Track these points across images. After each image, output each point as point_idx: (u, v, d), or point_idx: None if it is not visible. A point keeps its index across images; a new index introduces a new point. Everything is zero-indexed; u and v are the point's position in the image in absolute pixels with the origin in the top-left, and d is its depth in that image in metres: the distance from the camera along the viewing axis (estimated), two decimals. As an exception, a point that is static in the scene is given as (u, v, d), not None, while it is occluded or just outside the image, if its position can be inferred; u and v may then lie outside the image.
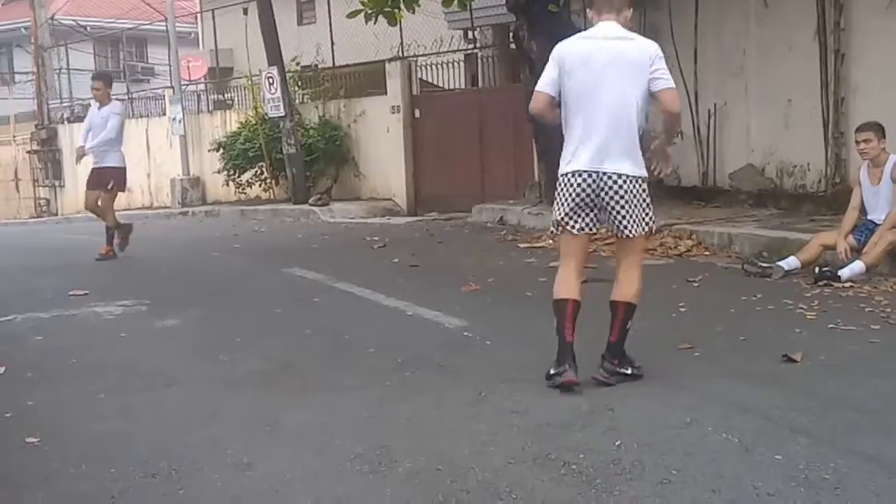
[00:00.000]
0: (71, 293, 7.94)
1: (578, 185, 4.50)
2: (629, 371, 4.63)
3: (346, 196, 16.97)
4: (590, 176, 4.48)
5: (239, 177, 18.00)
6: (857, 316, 5.88)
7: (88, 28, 28.56)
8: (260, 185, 18.03)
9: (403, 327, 6.31)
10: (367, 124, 16.85)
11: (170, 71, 21.41)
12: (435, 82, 16.62)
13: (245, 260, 10.58)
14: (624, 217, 4.53)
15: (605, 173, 4.47)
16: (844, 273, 6.80)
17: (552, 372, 4.54)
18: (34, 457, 4.02)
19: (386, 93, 16.27)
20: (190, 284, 8.60)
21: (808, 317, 5.97)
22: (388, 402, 4.56)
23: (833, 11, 9.48)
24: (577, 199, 4.53)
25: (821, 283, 6.76)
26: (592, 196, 4.51)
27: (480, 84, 16.42)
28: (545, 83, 4.61)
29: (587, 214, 4.57)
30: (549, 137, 11.22)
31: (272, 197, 17.86)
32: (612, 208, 4.51)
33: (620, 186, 4.48)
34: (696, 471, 3.50)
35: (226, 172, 18.05)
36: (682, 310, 6.32)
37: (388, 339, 5.93)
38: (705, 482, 3.41)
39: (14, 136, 26.33)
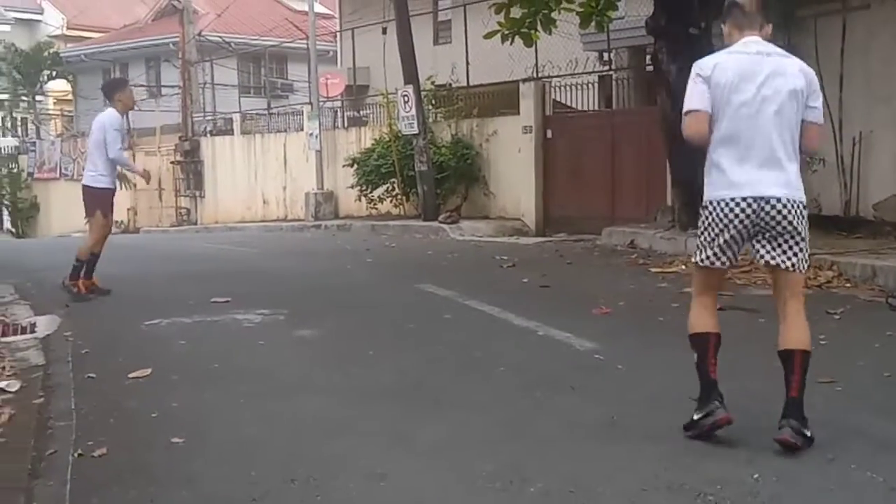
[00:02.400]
0: (213, 300, 8.24)
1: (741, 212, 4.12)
2: (810, 434, 4.02)
3: (475, 214, 17.08)
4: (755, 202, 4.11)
5: (371, 192, 18.34)
6: None
7: (233, 45, 29.60)
8: (391, 201, 18.32)
9: (534, 347, 6.31)
10: (498, 144, 16.94)
11: (309, 88, 21.99)
12: (568, 103, 16.60)
13: (377, 274, 10.77)
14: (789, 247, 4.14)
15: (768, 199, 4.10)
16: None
17: (697, 417, 4.14)
18: (179, 457, 4.20)
19: (519, 113, 16.33)
20: (325, 296, 8.79)
21: (956, 355, 5.72)
22: (520, 422, 4.58)
23: None
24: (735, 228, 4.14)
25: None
26: (751, 224, 4.12)
27: (614, 106, 16.31)
28: (699, 101, 4.17)
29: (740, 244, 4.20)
30: (688, 162, 11.14)
31: (402, 213, 18.12)
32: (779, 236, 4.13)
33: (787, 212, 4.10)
34: (837, 509, 3.41)
35: (359, 188, 18.41)
36: (822, 342, 6.08)
37: (519, 358, 5.96)
38: (848, 522, 3.31)
39: (159, 147, 27.47)
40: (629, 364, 5.68)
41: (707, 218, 4.19)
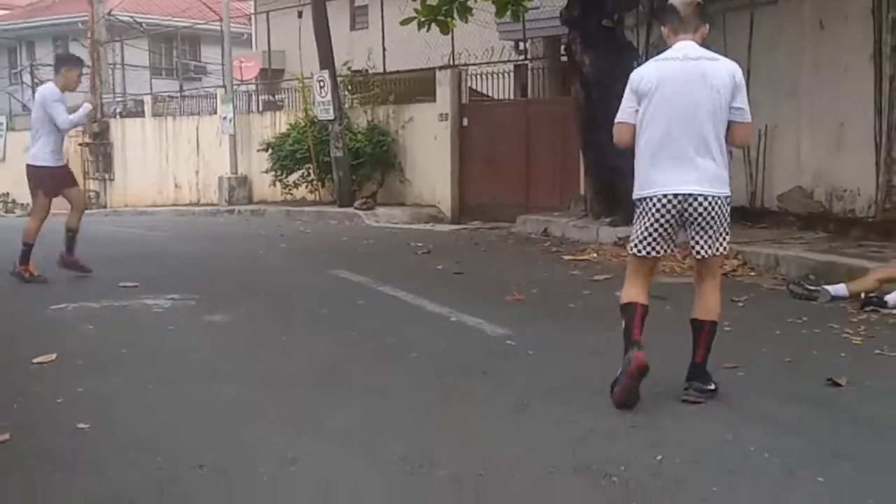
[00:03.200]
0: (121, 284, 8.09)
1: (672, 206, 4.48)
2: (713, 386, 4.57)
3: (391, 201, 17.09)
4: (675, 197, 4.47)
5: (286, 177, 18.21)
6: (903, 344, 5.83)
7: (144, 25, 28.99)
8: (306, 187, 18.22)
9: (447, 333, 6.35)
10: (414, 131, 16.97)
11: (223, 70, 21.68)
12: (485, 92, 16.70)
13: (291, 260, 10.71)
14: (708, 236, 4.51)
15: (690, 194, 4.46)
16: (891, 299, 6.73)
17: (620, 371, 4.45)
18: (85, 442, 4.12)
19: (435, 100, 16.39)
20: (237, 281, 8.71)
21: (854, 342, 5.92)
22: (432, 406, 4.61)
23: (890, 35, 9.39)
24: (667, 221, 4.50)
25: (867, 309, 6.71)
26: (678, 216, 4.48)
27: (529, 95, 16.46)
28: (626, 114, 4.58)
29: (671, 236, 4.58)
30: (600, 152, 11.32)
31: (318, 199, 18.03)
32: (698, 226, 4.49)
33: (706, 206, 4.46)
34: (737, 489, 3.51)
35: (273, 173, 18.25)
36: (726, 329, 6.26)
37: (432, 344, 5.99)
38: (747, 501, 3.42)
39: (67, 129, 26.75)
40: (540, 349, 5.76)
41: (641, 212, 4.57)
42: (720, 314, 4.66)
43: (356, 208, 16.17)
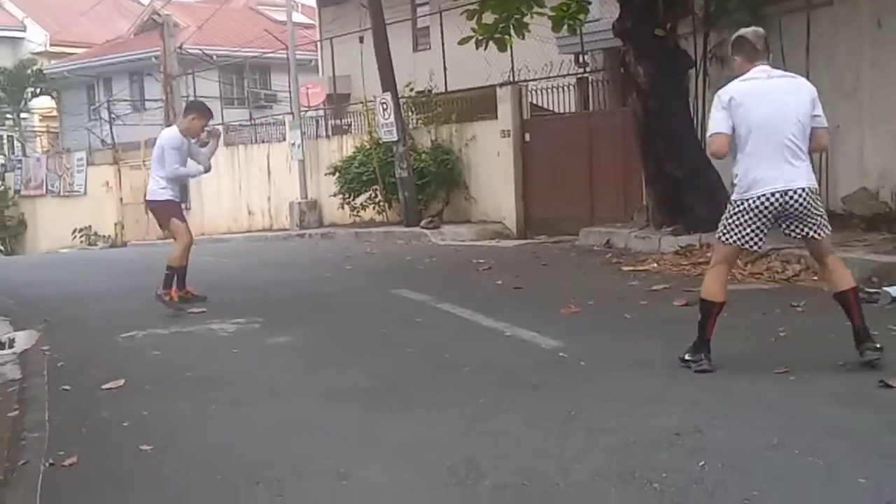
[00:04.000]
0: (190, 311, 8.36)
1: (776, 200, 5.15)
2: (879, 345, 5.22)
3: (457, 219, 17.22)
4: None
5: (353, 200, 18.48)
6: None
7: (214, 57, 29.70)
8: (374, 208, 18.46)
9: (501, 347, 6.46)
10: (477, 148, 17.09)
11: (290, 97, 22.12)
12: (546, 106, 16.75)
13: (355, 281, 10.91)
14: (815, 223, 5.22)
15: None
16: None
17: (687, 357, 5.34)
18: (147, 464, 4.32)
19: (497, 117, 16.48)
20: (301, 304, 8.93)
21: (913, 343, 5.85)
22: (481, 419, 4.72)
23: (950, 31, 9.26)
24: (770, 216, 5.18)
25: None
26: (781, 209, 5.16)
27: (591, 108, 16.47)
28: (721, 125, 5.20)
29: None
30: (659, 162, 11.31)
31: (386, 219, 18.25)
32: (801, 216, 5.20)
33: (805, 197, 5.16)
34: (778, 492, 3.54)
35: (341, 196, 18.55)
36: (781, 334, 6.28)
37: (485, 358, 6.09)
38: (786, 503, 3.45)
39: (144, 161, 27.51)
40: (591, 360, 5.83)
41: (744, 209, 5.19)
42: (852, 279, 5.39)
43: (423, 227, 16.34)
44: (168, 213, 8.82)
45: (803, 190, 5.13)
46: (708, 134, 5.35)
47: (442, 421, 4.74)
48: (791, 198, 5.11)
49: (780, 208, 5.14)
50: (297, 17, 32.53)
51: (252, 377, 5.92)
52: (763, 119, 5.13)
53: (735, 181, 5.29)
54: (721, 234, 5.37)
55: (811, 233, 5.22)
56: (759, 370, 5.31)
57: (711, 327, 5.32)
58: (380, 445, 4.40)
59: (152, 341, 7.22)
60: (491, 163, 16.67)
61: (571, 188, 15.18)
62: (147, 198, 8.96)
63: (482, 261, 11.76)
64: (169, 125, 25.47)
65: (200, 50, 28.14)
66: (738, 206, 5.23)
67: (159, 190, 8.70)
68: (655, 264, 9.88)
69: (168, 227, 8.94)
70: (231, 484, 3.95)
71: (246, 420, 4.94)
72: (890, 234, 9.61)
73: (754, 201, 5.15)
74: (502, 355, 6.20)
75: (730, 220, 5.29)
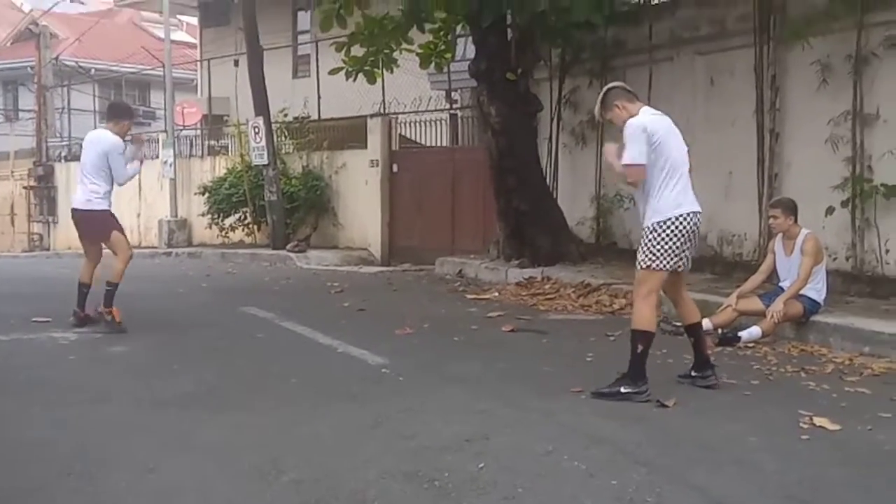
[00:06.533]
0: (34, 319, 8.45)
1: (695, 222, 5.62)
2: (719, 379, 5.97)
3: (325, 244, 17.53)
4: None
5: (222, 220, 18.60)
6: (743, 373, 6.39)
7: (93, 70, 29.35)
8: (243, 230, 18.62)
9: (330, 362, 6.83)
10: (347, 176, 17.49)
11: (164, 115, 22.10)
12: (419, 140, 17.27)
13: (207, 298, 11.12)
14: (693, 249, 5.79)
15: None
16: (744, 336, 7.35)
17: (625, 390, 5.54)
18: (-38, 457, 4.51)
19: (367, 147, 16.92)
20: (148, 317, 9.05)
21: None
22: (295, 424, 5.07)
23: (769, 92, 10.08)
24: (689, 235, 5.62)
25: (722, 343, 7.30)
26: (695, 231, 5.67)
27: (459, 143, 17.05)
28: (641, 157, 5.54)
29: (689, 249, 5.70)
30: (508, 198, 11.87)
31: (254, 241, 18.42)
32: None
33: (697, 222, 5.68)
34: (539, 490, 3.99)
35: (210, 216, 18.63)
36: (588, 359, 6.84)
37: (313, 371, 6.46)
38: (544, 499, 3.90)
39: (13, 172, 26.99)
40: (410, 376, 6.25)
41: (670, 232, 5.56)
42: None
43: (289, 251, 16.57)
44: (109, 225, 8.29)
45: (700, 214, 5.68)
46: (627, 162, 5.58)
47: (256, 424, 5.06)
48: (699, 219, 5.63)
49: (693, 228, 5.61)
50: (181, 36, 32.55)
51: (83, 381, 6.12)
52: (678, 153, 5.66)
53: (649, 211, 5.62)
54: (650, 262, 5.61)
55: (688, 262, 5.73)
56: (558, 389, 5.80)
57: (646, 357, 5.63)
58: (191, 444, 4.70)
59: (-10, 346, 7.33)
60: (359, 191, 17.07)
61: (434, 219, 15.70)
62: (80, 207, 8.21)
63: (335, 284, 12.11)
64: (41, 137, 25.48)
65: (76, 62, 27.77)
66: (665, 226, 5.53)
67: (97, 199, 8.13)
68: (497, 293, 10.41)
69: (108, 240, 8.35)
70: (44, 475, 4.18)
71: (69, 420, 5.15)
72: (712, 275, 10.37)
73: (683, 218, 5.54)
74: (330, 369, 6.57)
75: (657, 246, 5.57)
